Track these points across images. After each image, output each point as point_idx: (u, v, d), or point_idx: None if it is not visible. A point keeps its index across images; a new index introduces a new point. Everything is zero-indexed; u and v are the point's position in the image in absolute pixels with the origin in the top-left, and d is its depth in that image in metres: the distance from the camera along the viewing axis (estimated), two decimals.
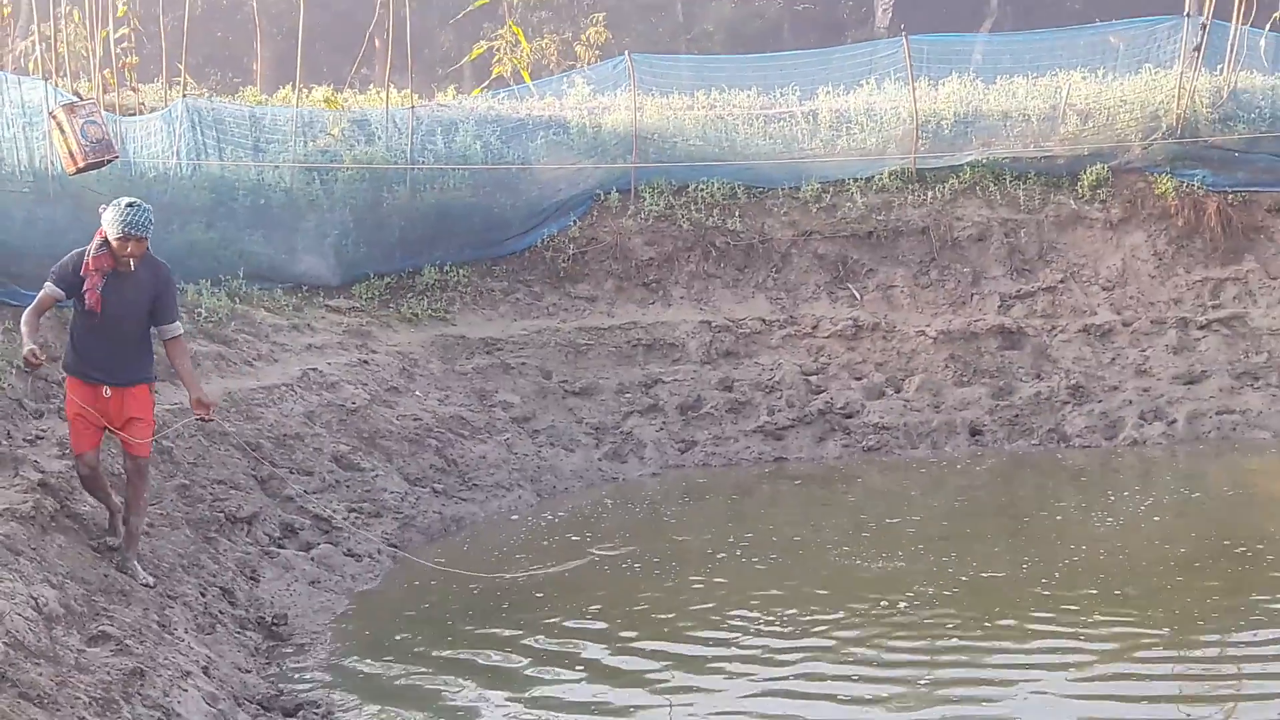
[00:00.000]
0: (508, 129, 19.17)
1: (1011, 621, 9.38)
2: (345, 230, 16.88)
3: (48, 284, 8.64)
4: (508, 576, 10.58)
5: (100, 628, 7.44)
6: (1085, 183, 18.64)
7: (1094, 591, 9.95)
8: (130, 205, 8.50)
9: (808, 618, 9.62)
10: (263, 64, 31.92)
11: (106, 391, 8.65)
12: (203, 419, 9.09)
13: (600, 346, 16.71)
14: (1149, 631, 9.14)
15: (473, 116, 19.43)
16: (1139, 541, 11.53)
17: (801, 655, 8.87)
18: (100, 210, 8.61)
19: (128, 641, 7.36)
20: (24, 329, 8.45)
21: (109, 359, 8.68)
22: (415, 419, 14.16)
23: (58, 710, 6.06)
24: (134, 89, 20.36)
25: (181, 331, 9.04)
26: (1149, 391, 16.47)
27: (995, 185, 18.71)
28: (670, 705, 8.03)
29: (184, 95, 18.35)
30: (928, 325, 17.24)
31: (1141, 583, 10.23)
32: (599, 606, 9.99)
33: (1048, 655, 8.72)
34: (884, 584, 10.39)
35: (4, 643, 6.31)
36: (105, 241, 8.55)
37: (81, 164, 11.63)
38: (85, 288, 8.55)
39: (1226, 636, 9.03)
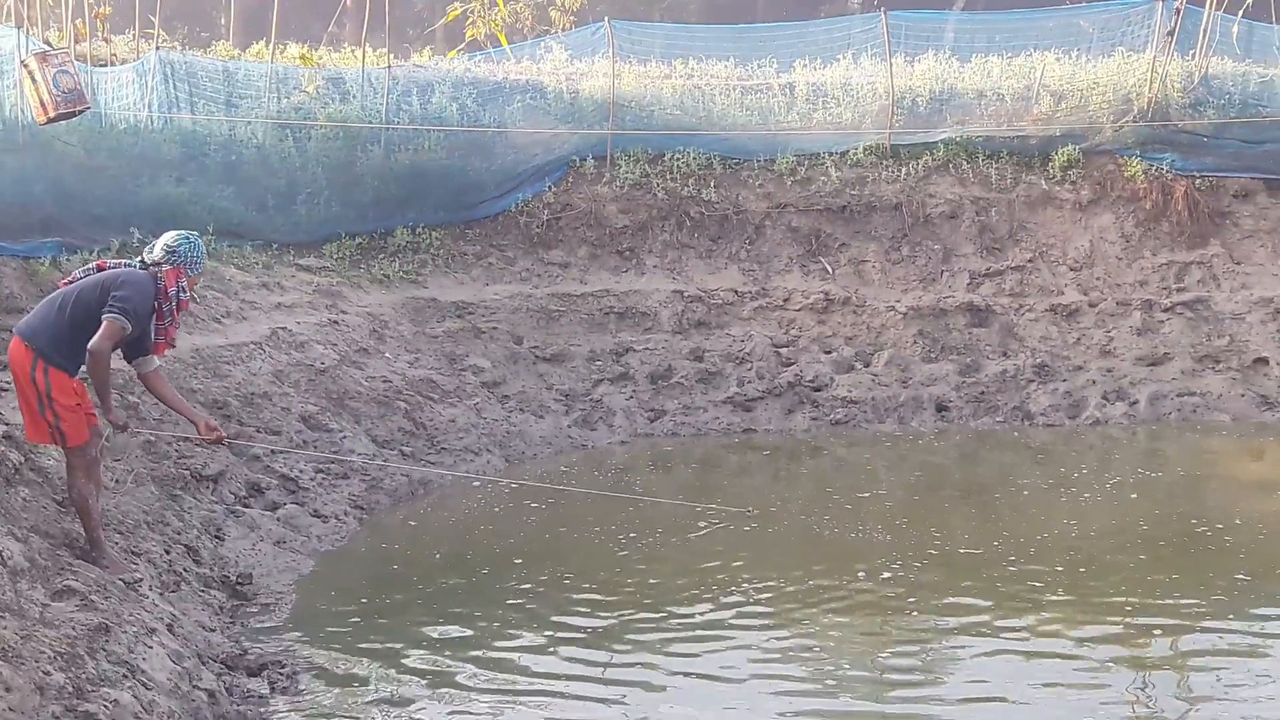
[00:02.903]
0: (484, 92, 19.13)
1: (977, 596, 9.44)
2: (317, 189, 16.79)
3: (123, 321, 7.79)
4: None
5: (65, 582, 7.36)
6: (1056, 163, 18.74)
7: (1060, 568, 10.02)
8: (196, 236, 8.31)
9: (773, 589, 9.65)
10: (234, 19, 31.66)
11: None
12: None
13: (572, 313, 16.71)
14: (1111, 603, 9.21)
15: (449, 78, 19.34)
16: (1102, 519, 11.60)
17: (765, 625, 8.92)
18: (176, 252, 8.06)
19: (93, 597, 7.30)
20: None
21: None
22: (384, 381, 14.13)
23: (22, 664, 5.99)
24: (106, 40, 20.18)
25: None
26: (1112, 372, 16.60)
27: (968, 163, 18.79)
28: (605, 667, 8.10)
29: (156, 48, 18.22)
30: (898, 301, 17.31)
31: (1105, 560, 10.32)
32: (570, 575, 9.98)
33: (1013, 628, 8.78)
34: (851, 557, 10.42)
35: None
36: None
37: (53, 113, 11.61)
38: (168, 330, 8.17)
39: (1184, 612, 9.08)
